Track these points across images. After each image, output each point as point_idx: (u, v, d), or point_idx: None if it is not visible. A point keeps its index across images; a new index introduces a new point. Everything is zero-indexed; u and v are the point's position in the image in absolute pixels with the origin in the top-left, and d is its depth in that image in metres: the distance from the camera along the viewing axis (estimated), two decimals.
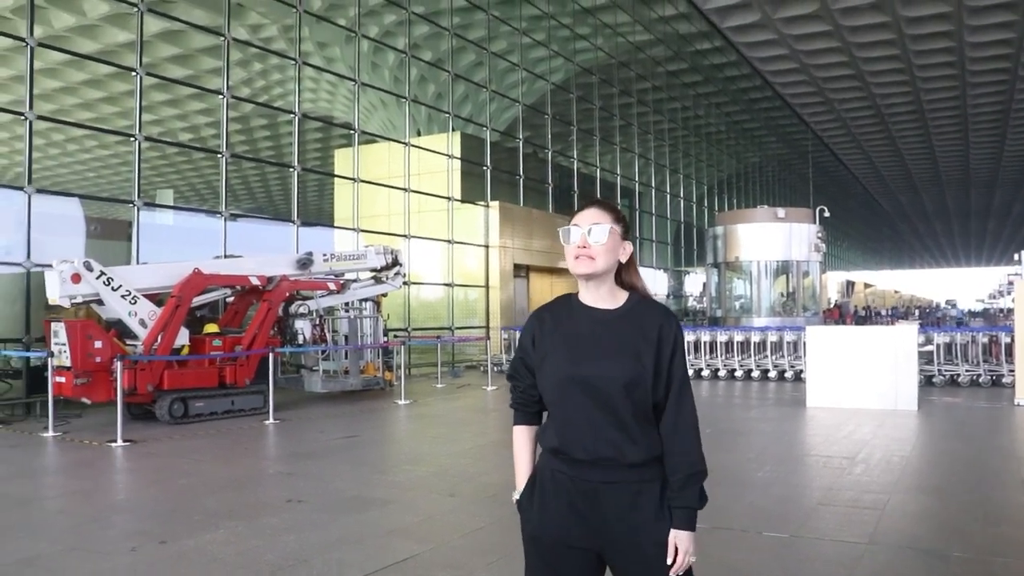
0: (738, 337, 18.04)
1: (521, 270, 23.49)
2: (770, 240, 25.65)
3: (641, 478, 2.34)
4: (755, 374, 17.20)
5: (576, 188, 27.34)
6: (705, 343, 17.92)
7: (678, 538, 2.30)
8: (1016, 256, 13.99)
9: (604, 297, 2.42)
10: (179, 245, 18.89)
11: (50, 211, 13.71)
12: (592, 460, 2.31)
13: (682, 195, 37.23)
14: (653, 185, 33.83)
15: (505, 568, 4.80)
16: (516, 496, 2.48)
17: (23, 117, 12.78)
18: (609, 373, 2.31)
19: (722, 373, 17.42)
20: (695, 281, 38.11)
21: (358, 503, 6.58)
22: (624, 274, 2.46)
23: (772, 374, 17.02)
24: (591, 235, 2.35)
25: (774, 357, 17.37)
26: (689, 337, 17.98)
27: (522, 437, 2.51)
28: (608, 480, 2.32)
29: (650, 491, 2.34)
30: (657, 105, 33.63)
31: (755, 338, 17.74)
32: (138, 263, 13.61)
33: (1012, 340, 13.86)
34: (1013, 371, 13.43)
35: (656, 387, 2.34)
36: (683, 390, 2.38)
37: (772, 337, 17.62)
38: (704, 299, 32.47)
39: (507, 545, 5.18)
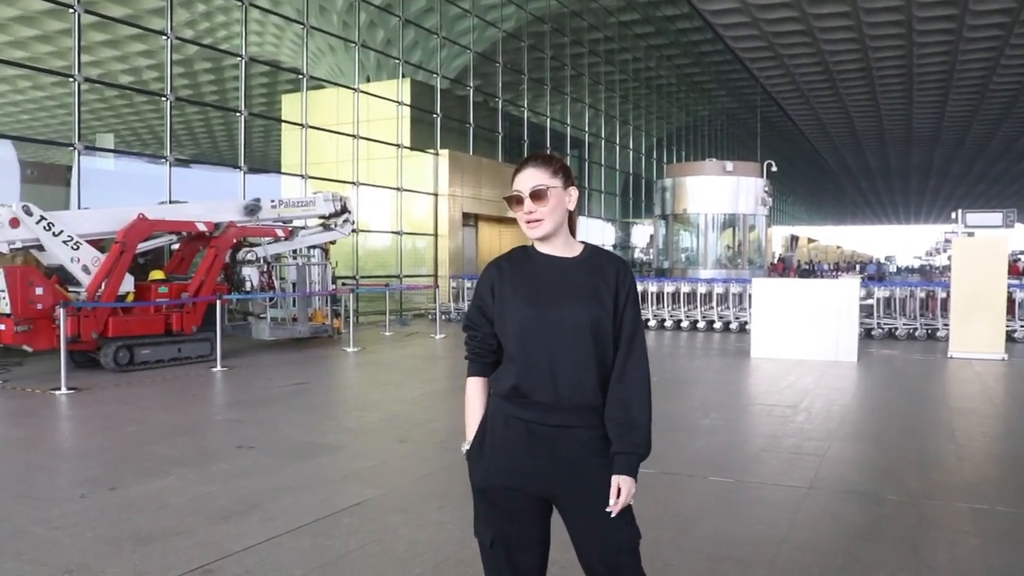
0: (685, 288, 18.27)
1: (470, 219, 23.44)
2: (718, 193, 25.86)
3: (601, 422, 2.37)
4: (700, 325, 17.48)
5: (526, 138, 27.25)
6: (652, 294, 18.14)
7: (621, 482, 2.33)
8: (953, 215, 14.31)
9: (560, 247, 2.44)
10: (121, 191, 18.49)
11: None
12: (553, 403, 2.33)
13: (631, 147, 37.31)
14: (603, 136, 33.84)
15: (455, 511, 4.88)
16: (465, 447, 2.49)
17: None
18: (573, 315, 2.34)
19: (668, 323, 17.67)
20: (642, 233, 38.37)
21: (309, 449, 6.61)
22: (571, 219, 2.49)
23: (717, 325, 17.30)
24: (534, 201, 2.38)
25: (719, 309, 17.66)
26: (637, 287, 18.19)
27: (476, 388, 2.52)
28: (568, 423, 2.35)
29: (595, 436, 2.38)
30: (608, 56, 33.49)
31: (701, 289, 18.00)
32: (79, 208, 13.30)
33: (947, 295, 14.26)
34: (947, 325, 13.85)
35: (613, 331, 2.39)
36: (635, 337, 2.42)
37: (718, 289, 17.89)
38: (651, 251, 32.72)
39: (457, 490, 5.26)
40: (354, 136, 19.79)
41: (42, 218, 10.46)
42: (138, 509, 5.00)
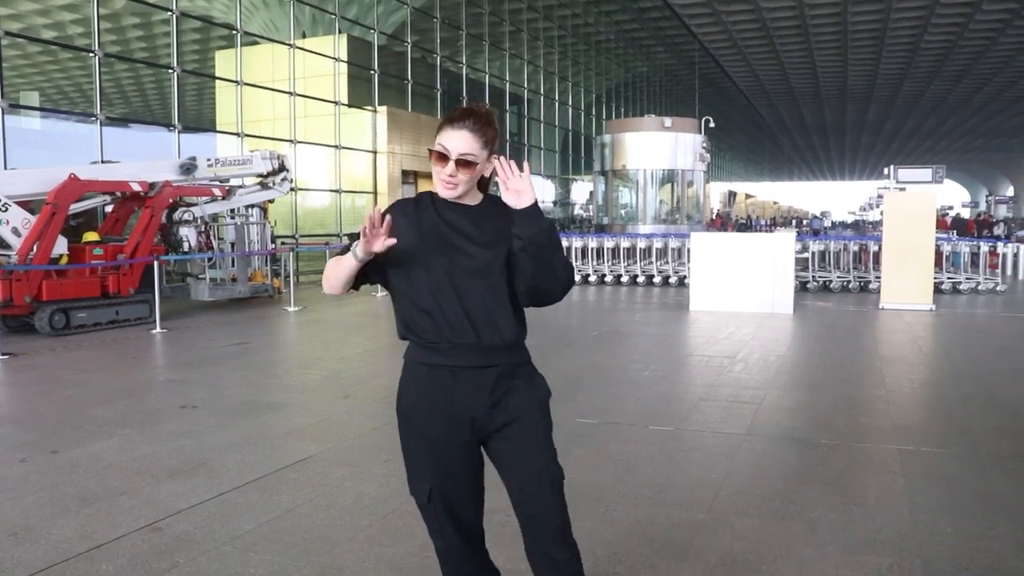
0: (624, 244, 18.45)
1: (409, 176, 23.31)
2: (656, 149, 26.07)
3: (520, 355, 2.47)
4: (640, 280, 17.71)
5: (465, 94, 27.06)
6: (592, 249, 18.30)
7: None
8: (885, 171, 14.67)
9: (465, 197, 2.43)
10: (48, 151, 18.00)
11: None
12: (475, 344, 2.37)
13: (571, 103, 37.29)
14: (542, 92, 33.74)
15: (400, 466, 4.88)
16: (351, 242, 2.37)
17: None
18: (483, 258, 2.37)
19: (608, 279, 17.86)
20: (582, 189, 38.52)
21: (253, 407, 6.60)
22: (483, 181, 2.49)
23: (656, 280, 17.55)
24: (459, 168, 2.33)
25: (658, 263, 17.89)
26: (576, 243, 18.38)
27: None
28: (491, 363, 2.40)
29: (518, 373, 2.45)
30: (547, 12, 33.31)
31: (640, 244, 18.21)
32: (5, 168, 12.91)
33: (879, 249, 14.66)
34: (879, 278, 14.25)
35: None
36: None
37: (657, 244, 18.12)
38: (591, 207, 32.91)
39: (393, 447, 5.31)
40: (290, 93, 19.47)
41: None
42: (82, 471, 4.96)
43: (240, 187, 14.20)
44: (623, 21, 40.24)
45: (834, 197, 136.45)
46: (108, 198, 12.30)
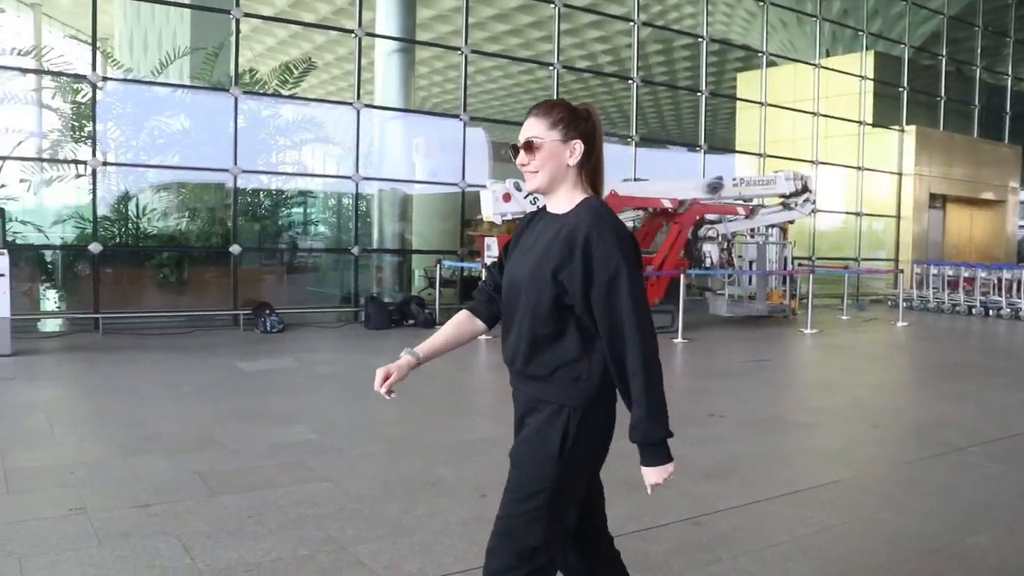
0: None
1: (937, 200, 21.70)
2: None
3: (537, 394, 2.29)
4: None
5: (1008, 109, 24.39)
6: None
7: (643, 474, 2.29)
8: None
9: (559, 203, 2.32)
10: None
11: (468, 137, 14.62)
12: (510, 365, 2.35)
13: None
14: None
15: (943, 502, 4.65)
16: (405, 352, 2.42)
17: (459, 52, 14.13)
18: (523, 274, 2.28)
19: None
20: None
21: (778, 423, 6.66)
22: (583, 175, 2.32)
23: None
24: (526, 153, 2.28)
25: None
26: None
27: (457, 315, 2.52)
28: (519, 389, 2.37)
29: (547, 412, 2.26)
30: None
31: None
32: None
33: None
34: None
35: (575, 295, 2.21)
36: (615, 317, 2.19)
37: None
38: None
39: (932, 483, 5.03)
40: (814, 113, 19.23)
41: (529, 193, 11.61)
42: (624, 460, 5.39)
43: (762, 207, 14.37)
44: None
45: None
46: (641, 213, 13.23)
